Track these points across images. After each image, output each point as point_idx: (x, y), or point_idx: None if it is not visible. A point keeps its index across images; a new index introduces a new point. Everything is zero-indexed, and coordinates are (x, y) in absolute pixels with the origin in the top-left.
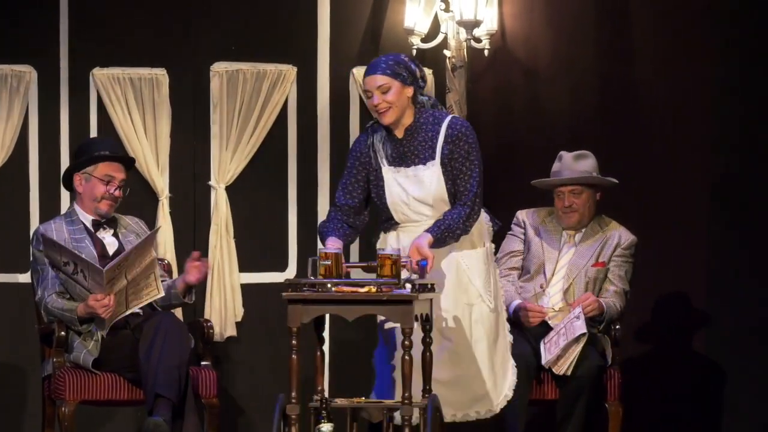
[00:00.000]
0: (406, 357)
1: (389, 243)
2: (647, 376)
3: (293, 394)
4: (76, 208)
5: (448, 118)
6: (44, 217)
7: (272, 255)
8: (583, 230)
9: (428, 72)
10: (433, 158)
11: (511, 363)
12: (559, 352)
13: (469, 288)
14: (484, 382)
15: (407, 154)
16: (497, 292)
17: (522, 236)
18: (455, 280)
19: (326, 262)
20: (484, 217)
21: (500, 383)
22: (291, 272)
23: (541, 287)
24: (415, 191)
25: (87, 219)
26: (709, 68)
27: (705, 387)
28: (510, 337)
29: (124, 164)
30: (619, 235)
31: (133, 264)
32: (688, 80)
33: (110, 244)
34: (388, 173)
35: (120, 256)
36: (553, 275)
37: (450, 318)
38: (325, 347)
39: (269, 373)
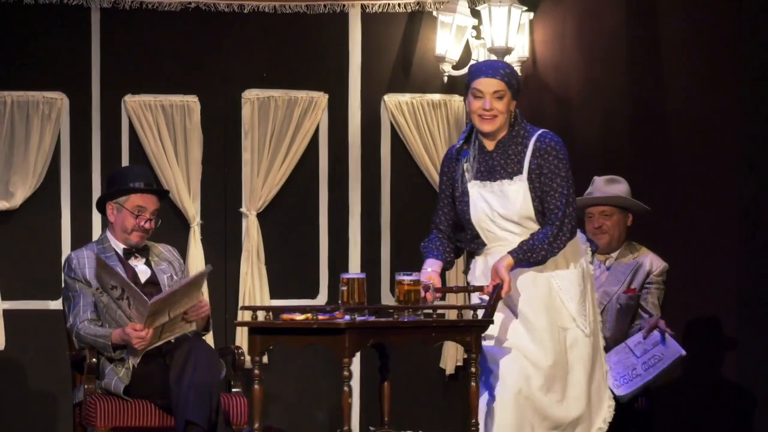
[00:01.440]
0: (345, 388)
1: (477, 267)
2: (678, 401)
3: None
4: (108, 235)
5: (539, 132)
6: (76, 244)
7: (303, 281)
8: (614, 254)
9: (459, 99)
10: (520, 173)
11: (608, 395)
12: (647, 381)
13: (562, 310)
14: (577, 410)
15: (495, 168)
16: (595, 316)
17: None
18: (548, 301)
19: (344, 288)
20: (580, 237)
21: (595, 414)
22: (322, 298)
23: None
24: (500, 207)
25: (119, 247)
26: (739, 93)
27: (735, 413)
28: (606, 367)
29: (158, 195)
30: (651, 262)
31: (178, 302)
32: (718, 105)
33: (142, 272)
34: (474, 187)
35: (168, 291)
36: None
37: (545, 339)
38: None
39: (299, 400)
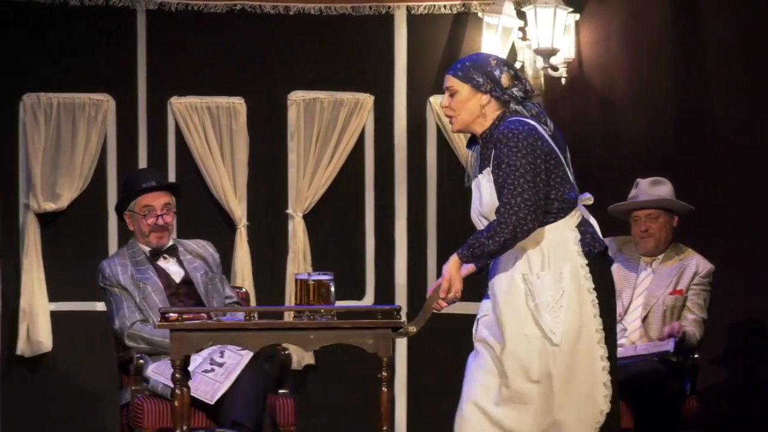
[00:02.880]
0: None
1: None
2: (726, 404)
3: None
4: (135, 240)
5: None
6: (122, 246)
7: (350, 283)
8: (660, 257)
9: None
10: (488, 166)
11: (602, 393)
12: None
13: (530, 316)
14: (541, 426)
15: (481, 163)
16: (574, 322)
17: None
18: (519, 306)
19: (296, 288)
20: (572, 237)
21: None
22: (369, 300)
23: (619, 315)
24: (478, 203)
25: (146, 249)
26: None
27: None
28: (604, 378)
29: (162, 190)
30: (697, 263)
31: None
32: (762, 106)
33: (175, 273)
34: (472, 184)
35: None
36: (630, 302)
37: (512, 347)
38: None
39: (346, 401)
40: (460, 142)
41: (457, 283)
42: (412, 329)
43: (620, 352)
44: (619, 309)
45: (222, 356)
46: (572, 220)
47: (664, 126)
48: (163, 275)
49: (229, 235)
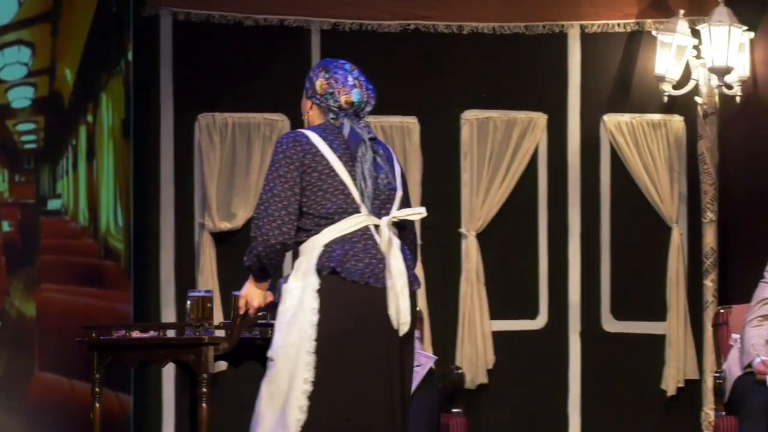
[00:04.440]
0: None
1: None
2: None
3: None
4: None
5: None
6: None
7: (523, 303)
8: None
9: (679, 119)
10: None
11: (295, 417)
12: None
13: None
14: None
15: None
16: (291, 339)
17: None
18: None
19: (190, 304)
20: (315, 253)
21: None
22: (542, 320)
23: None
24: None
25: None
26: None
27: None
28: (302, 390)
29: None
30: None
31: None
32: None
33: None
34: None
35: None
36: None
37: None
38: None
39: (520, 420)
40: (633, 160)
41: (254, 300)
42: (224, 346)
43: None
44: None
45: None
46: (325, 235)
47: None
48: None
49: None
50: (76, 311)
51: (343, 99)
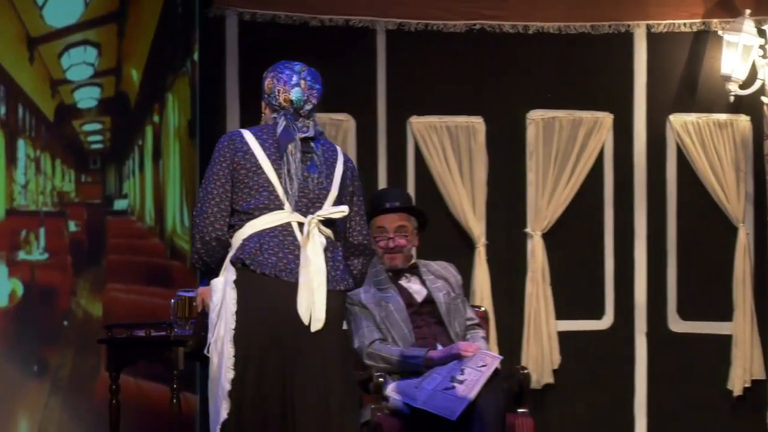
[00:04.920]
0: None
1: None
2: None
3: None
4: (379, 258)
5: None
6: None
7: (588, 303)
8: None
9: (745, 119)
10: None
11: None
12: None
13: None
14: None
15: None
16: (217, 334)
17: None
18: None
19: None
20: (235, 246)
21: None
22: (608, 320)
23: None
24: None
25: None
26: None
27: None
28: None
29: (403, 211)
30: None
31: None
32: None
33: (417, 292)
34: None
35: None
36: None
37: None
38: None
39: (586, 420)
40: (699, 160)
41: (208, 297)
42: (190, 343)
43: None
44: None
45: (462, 373)
46: (246, 230)
47: None
48: (405, 294)
49: (467, 254)
50: (142, 311)
51: (282, 97)
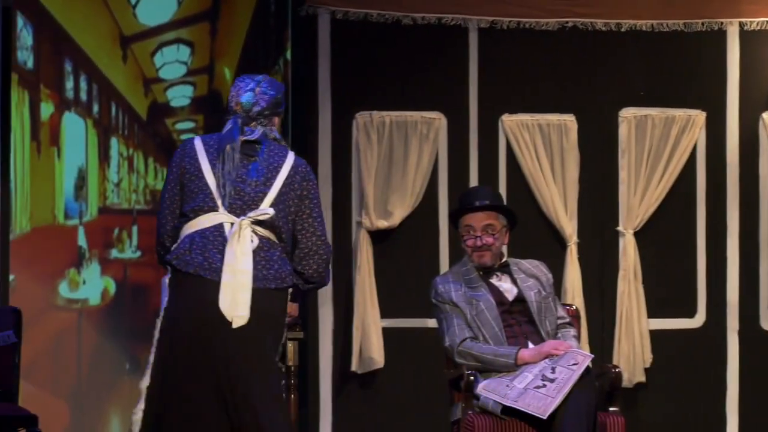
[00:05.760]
0: None
1: None
2: None
3: None
4: (469, 257)
5: None
6: (454, 262)
7: (681, 301)
8: None
9: None
10: None
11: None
12: None
13: None
14: None
15: None
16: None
17: None
18: None
19: None
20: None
21: None
22: (700, 319)
23: None
24: None
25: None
26: None
27: None
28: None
29: (492, 210)
30: None
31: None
32: None
33: (508, 290)
34: None
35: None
36: None
37: None
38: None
39: (678, 419)
40: None
41: None
42: None
43: None
44: None
45: (554, 372)
46: (182, 232)
47: None
48: (496, 292)
49: (559, 252)
50: None
51: (234, 101)
